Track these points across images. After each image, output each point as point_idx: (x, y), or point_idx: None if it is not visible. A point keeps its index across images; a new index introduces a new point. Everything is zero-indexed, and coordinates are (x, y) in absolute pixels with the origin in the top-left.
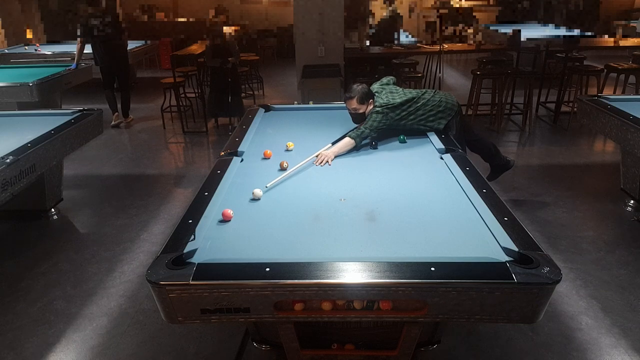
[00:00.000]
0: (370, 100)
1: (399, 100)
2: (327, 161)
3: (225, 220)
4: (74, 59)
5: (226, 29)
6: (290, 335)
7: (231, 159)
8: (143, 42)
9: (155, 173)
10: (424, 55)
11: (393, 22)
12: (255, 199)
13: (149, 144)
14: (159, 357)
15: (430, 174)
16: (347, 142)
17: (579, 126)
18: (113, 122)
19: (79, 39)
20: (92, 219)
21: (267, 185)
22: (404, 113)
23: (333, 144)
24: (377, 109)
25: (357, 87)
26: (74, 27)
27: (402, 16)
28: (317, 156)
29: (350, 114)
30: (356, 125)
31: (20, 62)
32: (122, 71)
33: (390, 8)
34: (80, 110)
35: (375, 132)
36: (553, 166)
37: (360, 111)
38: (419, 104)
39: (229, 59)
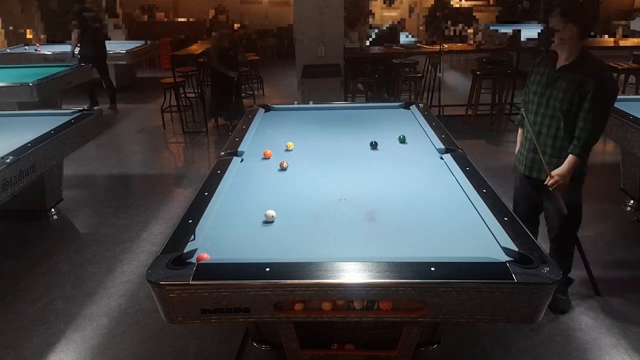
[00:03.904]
0: (587, 36)
1: None
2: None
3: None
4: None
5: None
6: (290, 335)
7: (231, 159)
8: (143, 42)
9: (155, 173)
10: (424, 55)
11: (392, 29)
12: (269, 221)
13: (149, 144)
14: (159, 357)
15: (430, 174)
16: (573, 161)
17: None
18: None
19: (74, 30)
20: (92, 219)
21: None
22: None
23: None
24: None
25: None
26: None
27: (403, 19)
28: (551, 177)
29: (547, 31)
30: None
31: (20, 62)
32: (102, 58)
33: (390, 23)
34: (80, 110)
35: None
36: None
37: (559, 28)
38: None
39: (240, 68)
